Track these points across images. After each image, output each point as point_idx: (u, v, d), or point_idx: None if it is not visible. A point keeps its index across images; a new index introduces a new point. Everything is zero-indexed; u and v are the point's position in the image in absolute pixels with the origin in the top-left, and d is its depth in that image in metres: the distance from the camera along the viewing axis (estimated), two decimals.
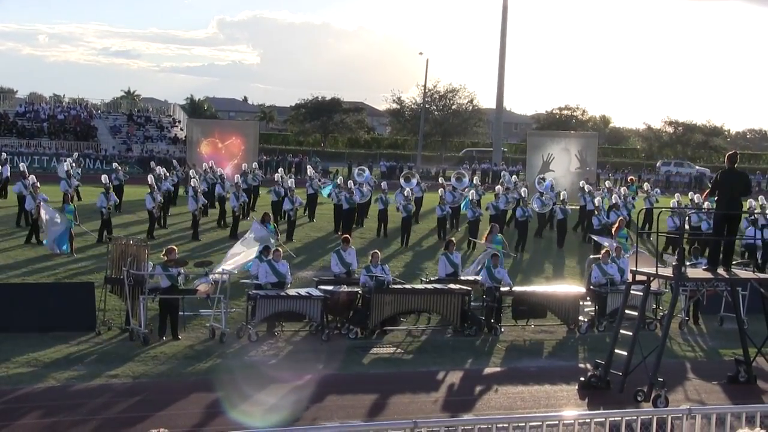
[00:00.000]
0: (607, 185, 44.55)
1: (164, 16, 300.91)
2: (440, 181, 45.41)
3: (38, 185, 33.49)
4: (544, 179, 43.94)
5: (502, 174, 51.15)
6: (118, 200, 34.33)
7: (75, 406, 15.02)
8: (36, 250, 29.12)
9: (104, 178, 36.53)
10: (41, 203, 30.14)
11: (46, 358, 17.67)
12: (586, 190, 40.72)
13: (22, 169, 37.76)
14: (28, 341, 18.56)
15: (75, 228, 29.42)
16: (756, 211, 34.45)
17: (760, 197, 38.76)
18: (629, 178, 54.82)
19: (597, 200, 37.33)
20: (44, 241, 28.85)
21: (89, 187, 42.28)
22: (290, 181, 38.23)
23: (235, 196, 35.69)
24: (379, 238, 35.88)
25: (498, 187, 39.86)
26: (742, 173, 18.37)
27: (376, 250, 22.74)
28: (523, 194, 39.06)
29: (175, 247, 21.04)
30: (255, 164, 50.26)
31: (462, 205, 38.77)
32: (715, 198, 18.20)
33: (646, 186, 45.23)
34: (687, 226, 33.58)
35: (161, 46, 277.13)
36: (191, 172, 41.51)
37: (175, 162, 53.72)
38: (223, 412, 14.74)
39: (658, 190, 50.19)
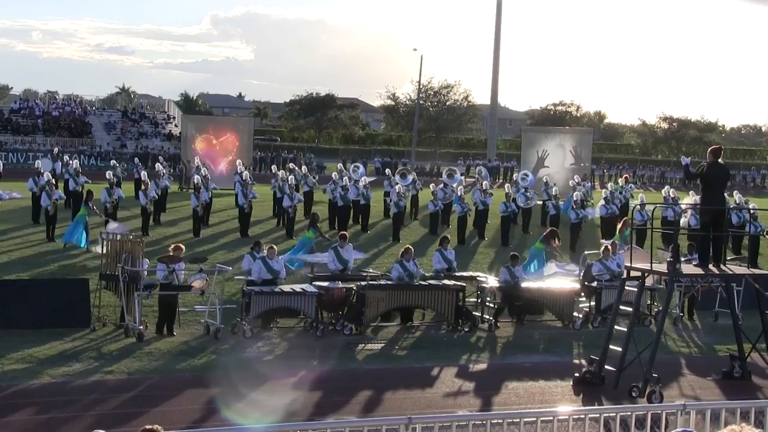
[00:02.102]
0: (576, 179, 44.45)
1: (158, 13, 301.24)
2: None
3: (53, 182, 33.60)
4: (527, 175, 43.94)
5: (477, 170, 51.04)
6: (123, 196, 34.30)
7: (70, 403, 15.02)
8: (32, 248, 29.11)
9: (109, 174, 36.57)
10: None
11: (40, 354, 17.65)
12: (550, 185, 40.82)
13: (36, 166, 37.76)
14: (23, 338, 18.55)
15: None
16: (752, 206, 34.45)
17: (735, 193, 38.74)
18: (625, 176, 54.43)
19: (576, 194, 37.44)
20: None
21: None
22: (290, 178, 38.21)
23: (243, 194, 35.49)
24: (365, 233, 36.01)
25: (485, 183, 39.91)
26: (725, 167, 18.36)
27: (410, 246, 22.92)
28: (507, 189, 39.16)
29: (182, 246, 21.09)
30: (239, 162, 49.82)
31: (453, 201, 38.84)
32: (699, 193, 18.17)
33: (620, 181, 45.26)
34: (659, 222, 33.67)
35: (155, 43, 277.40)
36: (203, 170, 41.33)
37: (161, 158, 53.49)
38: (218, 409, 14.74)
39: (632, 185, 50.16)
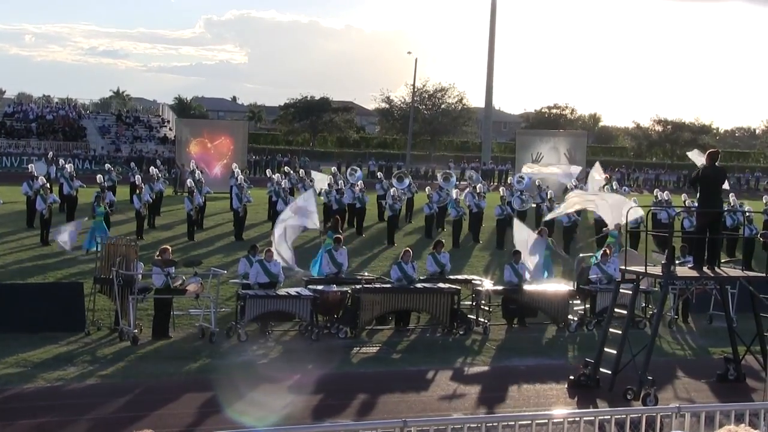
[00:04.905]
0: (573, 182, 44.38)
1: (151, 16, 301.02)
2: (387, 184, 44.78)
3: (48, 186, 33.56)
4: (523, 178, 43.96)
5: (467, 173, 51.00)
6: (115, 199, 34.34)
7: (64, 407, 15.00)
8: (27, 252, 29.08)
9: (99, 178, 36.57)
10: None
11: (35, 358, 17.63)
12: (543, 188, 40.86)
13: (30, 170, 37.68)
14: (18, 341, 18.52)
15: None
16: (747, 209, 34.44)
17: (730, 195, 38.71)
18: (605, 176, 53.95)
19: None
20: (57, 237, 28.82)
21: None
22: (284, 182, 38.17)
23: (237, 197, 35.49)
24: (360, 236, 36.07)
25: (478, 186, 39.93)
26: (721, 169, 18.36)
27: (409, 249, 22.96)
28: (502, 193, 39.18)
29: (168, 247, 21.06)
30: (235, 165, 49.61)
31: (448, 205, 38.86)
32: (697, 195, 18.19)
33: (614, 185, 45.30)
34: (651, 224, 33.66)
35: (148, 46, 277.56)
36: (197, 173, 41.33)
37: (158, 162, 53.40)
38: (214, 412, 14.73)
39: (626, 188, 50.05)
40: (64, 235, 25.67)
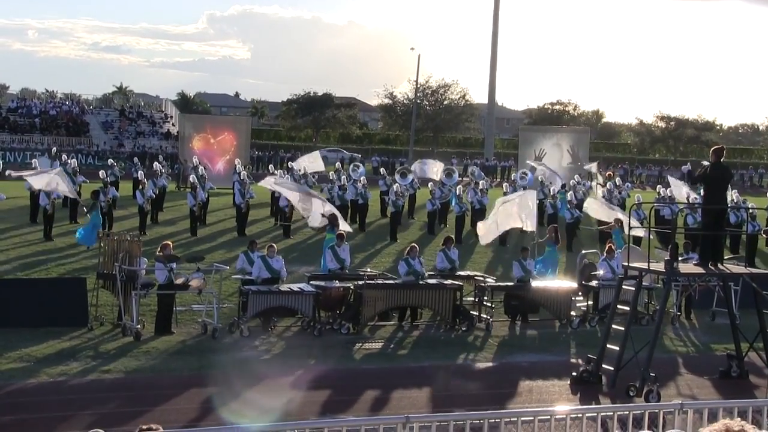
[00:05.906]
0: (576, 179, 44.36)
1: (154, 11, 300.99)
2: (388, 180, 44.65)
3: None
4: (526, 174, 43.91)
5: (469, 170, 50.95)
6: (118, 194, 34.33)
7: (67, 402, 15.01)
8: (30, 248, 29.11)
9: (102, 173, 36.53)
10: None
11: (38, 353, 17.64)
12: (546, 184, 40.85)
13: (34, 165, 37.67)
14: (21, 336, 18.53)
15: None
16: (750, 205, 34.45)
17: (733, 192, 38.69)
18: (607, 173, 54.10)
19: (570, 194, 37.39)
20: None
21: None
22: (287, 178, 38.17)
23: (240, 193, 35.49)
24: (363, 232, 36.06)
25: (481, 183, 39.91)
26: (727, 167, 18.35)
27: (415, 244, 23.05)
28: (505, 189, 39.17)
29: (169, 243, 21.06)
30: (237, 161, 49.42)
31: (450, 201, 38.90)
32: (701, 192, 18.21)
33: (617, 181, 45.15)
34: (654, 221, 33.68)
35: (151, 42, 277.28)
36: (200, 169, 41.29)
37: (160, 158, 53.43)
38: (216, 408, 14.72)
39: (629, 185, 49.93)
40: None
